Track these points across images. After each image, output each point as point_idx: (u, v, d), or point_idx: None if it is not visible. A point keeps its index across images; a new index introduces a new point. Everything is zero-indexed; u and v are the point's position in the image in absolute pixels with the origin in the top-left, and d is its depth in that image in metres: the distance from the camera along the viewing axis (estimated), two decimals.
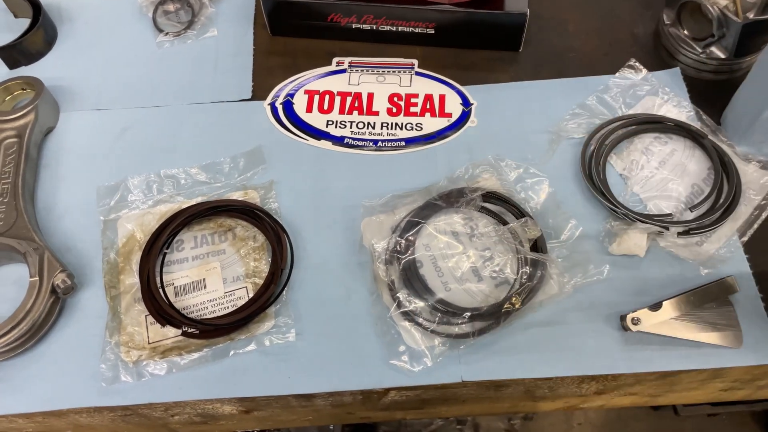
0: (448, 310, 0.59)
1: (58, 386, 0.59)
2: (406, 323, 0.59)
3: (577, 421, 1.62)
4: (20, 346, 0.58)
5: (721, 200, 0.63)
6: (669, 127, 0.69)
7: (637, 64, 0.74)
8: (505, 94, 0.74)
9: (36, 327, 0.58)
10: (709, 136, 0.67)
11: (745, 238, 0.63)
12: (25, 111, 0.69)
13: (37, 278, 0.59)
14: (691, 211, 0.63)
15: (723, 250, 0.62)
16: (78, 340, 0.60)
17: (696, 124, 0.69)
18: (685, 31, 0.74)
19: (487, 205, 0.64)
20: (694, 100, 0.72)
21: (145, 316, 0.61)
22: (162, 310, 0.60)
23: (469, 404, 0.66)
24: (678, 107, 0.70)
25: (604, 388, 0.62)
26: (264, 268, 0.63)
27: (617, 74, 0.74)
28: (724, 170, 0.65)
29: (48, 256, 0.60)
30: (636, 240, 0.60)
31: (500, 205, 0.64)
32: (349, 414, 0.68)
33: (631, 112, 0.71)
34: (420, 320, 0.59)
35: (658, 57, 0.76)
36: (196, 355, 0.59)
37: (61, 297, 0.60)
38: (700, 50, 0.72)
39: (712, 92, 0.72)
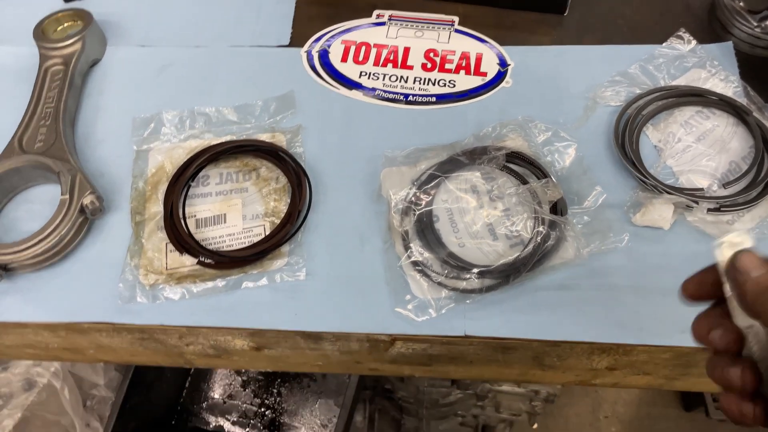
0: (458, 265, 0.59)
1: (80, 301, 0.62)
2: (415, 273, 0.59)
3: (604, 414, 1.59)
4: (47, 260, 0.61)
5: (760, 178, 0.60)
6: (713, 101, 0.66)
7: (686, 34, 0.70)
8: (544, 56, 0.72)
9: (63, 243, 0.61)
10: (755, 113, 0.64)
11: None
12: (72, 41, 0.72)
13: (68, 197, 0.61)
14: (725, 188, 0.60)
15: (756, 231, 0.59)
16: (101, 260, 0.63)
17: (742, 101, 0.65)
18: (741, 3, 0.70)
19: (510, 164, 0.63)
20: (744, 76, 0.68)
21: (166, 243, 0.63)
22: (182, 239, 0.62)
23: (477, 366, 0.66)
24: (725, 82, 0.67)
25: (615, 363, 0.61)
26: (283, 208, 0.64)
27: (664, 44, 0.71)
28: (766, 149, 0.62)
29: (80, 178, 0.63)
30: (661, 211, 0.58)
31: (524, 166, 0.63)
32: (357, 363, 0.69)
33: (674, 83, 0.68)
34: (429, 272, 0.59)
35: (711, 30, 0.73)
36: (209, 284, 0.61)
37: (89, 217, 0.63)
38: (755, 24, 0.68)
39: (764, 69, 0.68)
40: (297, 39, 0.76)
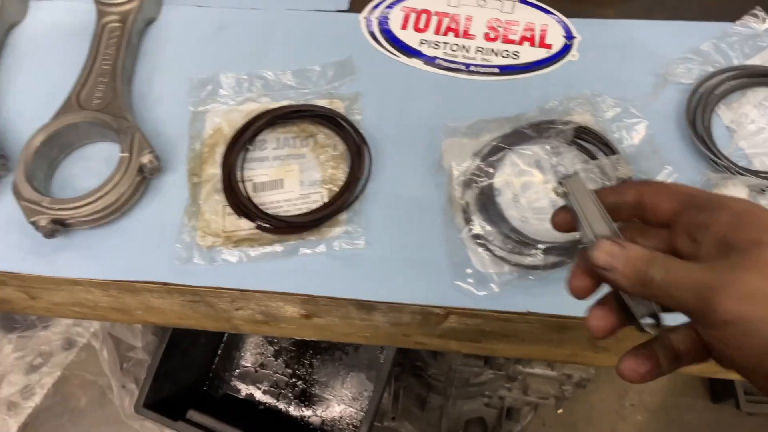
0: (521, 240, 0.57)
1: (136, 260, 0.61)
2: (476, 247, 0.58)
3: (630, 402, 1.58)
4: (105, 218, 0.61)
5: None
6: None
7: (761, 12, 0.68)
8: (613, 30, 0.69)
9: (121, 201, 0.61)
10: None
11: None
12: None
13: (127, 154, 0.61)
14: None
15: None
16: (157, 220, 0.63)
17: None
18: None
19: (577, 140, 0.61)
20: None
21: (223, 206, 0.62)
22: (240, 203, 0.61)
23: (528, 344, 0.65)
24: None
25: None
26: (341, 176, 0.63)
27: (737, 22, 0.68)
28: None
29: (139, 137, 0.62)
30: (735, 193, 0.56)
31: (591, 142, 0.61)
32: (405, 336, 0.68)
33: (748, 62, 0.65)
34: (490, 246, 0.58)
35: None
36: (267, 249, 0.60)
37: (148, 177, 0.62)
38: None
39: None
40: (355, 4, 0.75)
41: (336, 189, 0.62)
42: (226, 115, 0.66)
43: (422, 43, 0.70)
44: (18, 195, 0.59)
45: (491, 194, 0.60)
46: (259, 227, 0.60)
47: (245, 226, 0.61)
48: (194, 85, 0.68)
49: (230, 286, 0.60)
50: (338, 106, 0.67)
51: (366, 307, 0.61)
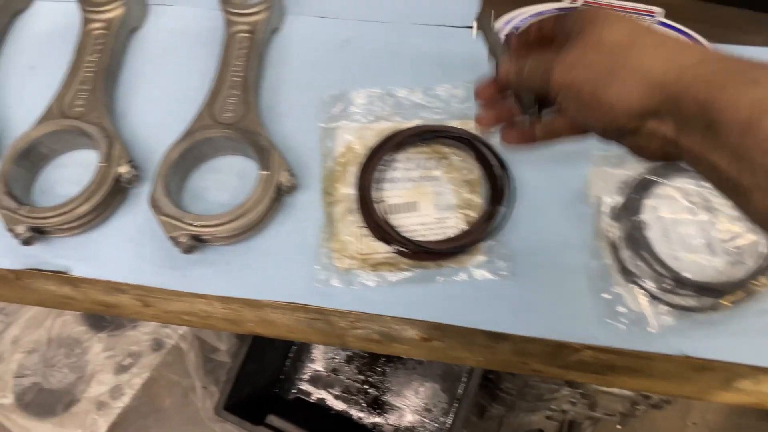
0: (675, 278, 0.55)
1: (271, 278, 0.61)
2: (627, 284, 0.56)
3: (692, 420, 1.55)
4: (242, 234, 0.60)
5: None
6: None
7: None
8: (759, 58, 0.67)
9: (260, 219, 0.60)
10: None
11: None
12: (258, 8, 0.69)
13: (268, 172, 0.60)
14: None
15: None
16: (292, 239, 0.62)
17: None
18: None
19: None
20: None
21: (358, 227, 0.61)
22: (377, 225, 0.60)
23: (654, 380, 0.63)
24: None
25: None
26: (477, 200, 0.62)
27: None
28: None
29: (276, 154, 0.61)
30: None
31: None
32: (523, 363, 0.67)
33: None
34: (642, 283, 0.56)
35: None
36: (405, 274, 0.59)
37: (284, 194, 0.61)
38: None
39: None
40: None
41: (472, 213, 0.61)
42: (358, 133, 0.65)
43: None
44: (158, 210, 0.59)
45: (641, 228, 0.58)
46: (398, 252, 0.59)
47: (381, 249, 0.60)
48: (326, 101, 0.67)
49: (368, 310, 0.59)
50: (472, 127, 0.65)
51: (496, 336, 0.60)
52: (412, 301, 0.59)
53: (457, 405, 1.11)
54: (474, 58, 0.70)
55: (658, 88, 0.37)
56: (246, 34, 0.69)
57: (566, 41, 0.42)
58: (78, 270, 0.62)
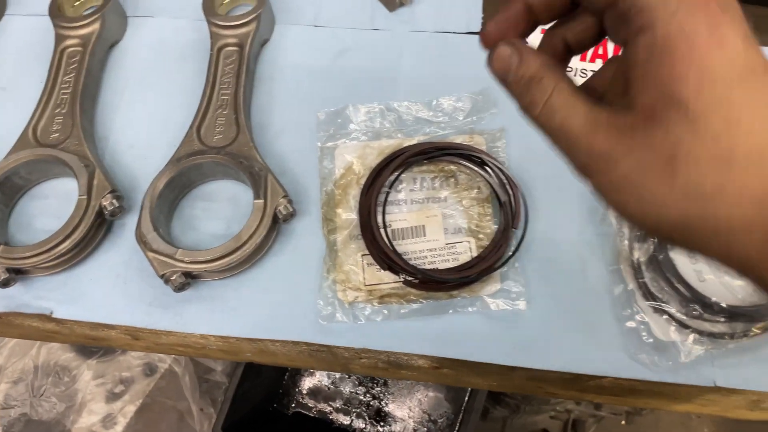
0: (703, 302, 0.52)
1: (270, 315, 0.57)
2: (653, 310, 0.53)
3: (696, 414, 1.53)
4: (237, 268, 0.56)
5: None
6: None
7: None
8: None
9: (255, 251, 0.55)
10: None
11: None
12: (247, 19, 0.64)
13: (262, 201, 0.55)
14: None
15: None
16: (292, 271, 0.57)
17: None
18: None
19: None
20: None
21: (362, 255, 0.57)
22: (383, 254, 0.56)
23: (679, 402, 0.60)
24: None
25: None
26: (488, 222, 0.58)
27: None
28: None
29: (271, 179, 0.57)
30: None
31: None
32: (538, 387, 0.64)
33: None
34: (671, 310, 0.52)
35: None
36: (414, 306, 0.55)
37: (281, 223, 0.57)
38: None
39: None
40: None
41: (484, 237, 0.57)
42: (358, 152, 0.61)
43: (568, 71, 0.64)
44: (146, 245, 0.54)
45: (666, 249, 0.54)
46: (405, 282, 0.55)
47: (388, 279, 0.56)
48: (322, 119, 0.62)
49: (375, 347, 0.55)
50: (479, 143, 0.61)
51: (513, 367, 0.56)
52: (422, 335, 0.55)
53: (462, 416, 1.08)
54: (479, 66, 0.66)
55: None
56: (233, 48, 0.64)
57: (622, 80, 0.29)
58: (61, 312, 0.58)
